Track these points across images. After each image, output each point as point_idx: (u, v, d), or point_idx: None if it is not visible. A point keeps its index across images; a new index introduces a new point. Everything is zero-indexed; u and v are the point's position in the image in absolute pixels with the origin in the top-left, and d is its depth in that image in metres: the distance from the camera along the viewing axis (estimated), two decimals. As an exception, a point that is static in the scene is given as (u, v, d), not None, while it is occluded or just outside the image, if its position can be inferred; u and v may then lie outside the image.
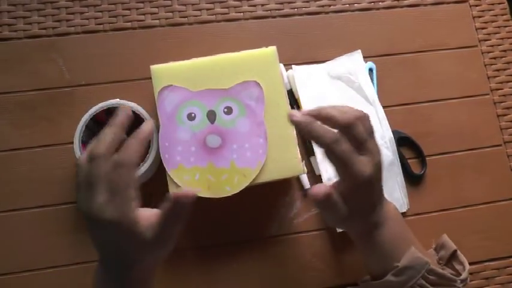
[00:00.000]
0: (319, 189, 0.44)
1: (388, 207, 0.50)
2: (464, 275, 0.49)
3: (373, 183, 0.46)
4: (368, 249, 0.51)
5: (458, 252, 0.53)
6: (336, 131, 0.45)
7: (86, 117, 0.58)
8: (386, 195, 0.63)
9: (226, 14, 0.69)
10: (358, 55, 0.68)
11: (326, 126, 0.45)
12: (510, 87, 0.71)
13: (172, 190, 0.55)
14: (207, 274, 0.60)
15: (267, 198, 0.63)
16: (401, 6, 0.73)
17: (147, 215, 0.43)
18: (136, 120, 0.61)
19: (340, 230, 0.61)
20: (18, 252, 0.59)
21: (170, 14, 0.69)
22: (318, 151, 0.63)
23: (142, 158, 0.57)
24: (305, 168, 0.58)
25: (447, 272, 0.50)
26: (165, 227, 0.43)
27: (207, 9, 0.69)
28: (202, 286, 0.60)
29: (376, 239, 0.49)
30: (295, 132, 0.58)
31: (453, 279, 0.48)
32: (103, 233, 0.43)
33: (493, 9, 0.75)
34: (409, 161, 0.66)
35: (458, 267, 0.52)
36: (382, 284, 0.49)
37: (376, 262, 0.51)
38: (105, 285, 0.45)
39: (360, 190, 0.46)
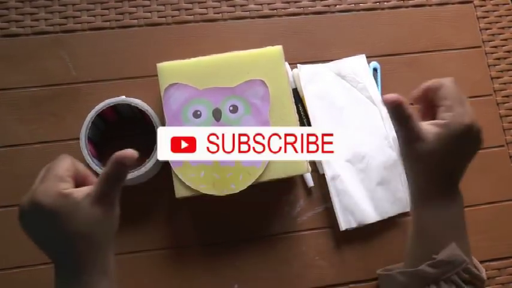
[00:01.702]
0: (388, 95, 0.46)
1: (460, 192, 0.50)
2: (484, 276, 0.50)
3: (469, 140, 0.47)
4: (421, 216, 0.51)
5: (472, 256, 0.53)
6: None
7: (92, 114, 0.58)
8: (389, 194, 0.63)
9: (233, 12, 0.70)
10: (362, 59, 0.68)
11: None
12: (513, 88, 0.72)
13: (177, 187, 0.56)
14: (211, 271, 0.61)
15: (271, 196, 0.63)
16: (407, 7, 0.73)
17: (82, 188, 0.42)
18: (142, 118, 0.61)
19: (344, 229, 0.61)
20: (24, 247, 0.59)
21: (176, 12, 0.69)
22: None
23: (147, 156, 0.57)
24: (309, 167, 0.59)
25: (482, 272, 0.50)
26: (104, 190, 0.41)
27: (213, 8, 0.70)
28: (206, 283, 0.60)
29: (435, 211, 0.49)
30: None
31: (483, 280, 0.48)
32: (40, 223, 0.41)
33: (497, 10, 0.75)
34: (412, 160, 0.66)
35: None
36: (417, 273, 0.49)
37: (422, 239, 0.51)
38: None
39: (456, 136, 0.46)
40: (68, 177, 0.42)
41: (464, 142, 0.47)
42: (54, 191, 0.40)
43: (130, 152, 0.41)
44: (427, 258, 0.48)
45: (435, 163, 0.48)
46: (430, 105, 0.50)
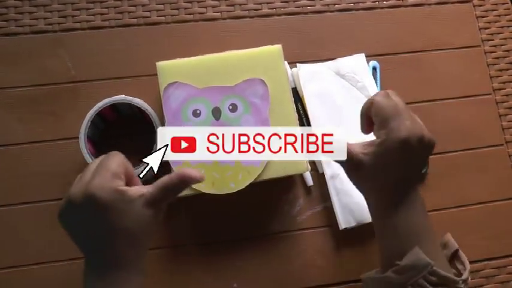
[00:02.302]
0: None
1: (418, 196, 0.50)
2: (465, 275, 0.50)
3: (410, 151, 0.47)
4: (381, 228, 0.51)
5: (460, 251, 0.53)
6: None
7: (91, 113, 0.58)
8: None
9: (232, 11, 0.70)
10: (361, 58, 0.69)
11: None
12: (512, 87, 0.72)
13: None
14: (210, 270, 0.61)
15: (271, 195, 0.63)
16: (406, 6, 0.73)
17: (137, 187, 0.43)
18: (141, 117, 0.61)
19: (343, 228, 0.61)
20: (23, 246, 0.60)
21: (176, 11, 0.69)
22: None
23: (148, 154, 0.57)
24: (309, 166, 0.59)
25: (451, 272, 0.50)
26: (160, 196, 0.42)
27: (213, 7, 0.70)
28: (205, 282, 0.60)
29: (393, 221, 0.49)
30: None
31: (455, 281, 0.48)
32: (89, 216, 0.41)
33: (496, 10, 0.75)
34: (411, 159, 0.66)
35: (459, 266, 0.52)
36: (383, 280, 0.49)
37: (386, 247, 0.51)
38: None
39: (394, 151, 0.46)
40: (122, 173, 0.42)
41: (405, 154, 0.47)
42: (109, 186, 0.40)
43: (197, 174, 0.42)
44: (392, 265, 0.48)
45: (380, 180, 0.49)
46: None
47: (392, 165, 0.48)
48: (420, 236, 0.49)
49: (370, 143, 0.48)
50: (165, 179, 0.43)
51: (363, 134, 0.55)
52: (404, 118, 0.47)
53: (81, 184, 0.41)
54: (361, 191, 0.53)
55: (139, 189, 0.42)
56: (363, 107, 0.52)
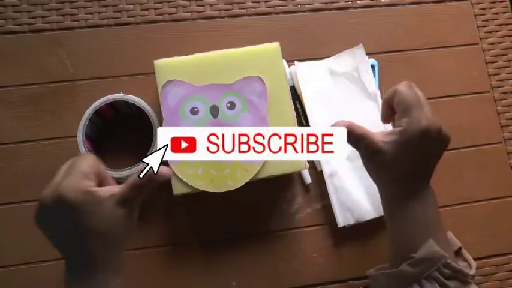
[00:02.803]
0: (335, 125, 0.49)
1: (430, 190, 0.51)
2: (472, 271, 0.50)
3: (428, 142, 0.47)
4: (393, 220, 0.51)
5: (463, 249, 0.53)
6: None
7: (89, 111, 0.58)
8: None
9: (230, 9, 0.70)
10: (360, 50, 0.68)
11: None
12: (511, 85, 0.72)
13: (174, 184, 0.56)
14: (209, 268, 0.61)
15: (269, 193, 0.63)
16: (404, 4, 0.73)
17: (107, 187, 0.43)
18: (139, 115, 0.61)
19: (341, 226, 0.61)
20: (22, 244, 0.59)
21: (174, 9, 0.69)
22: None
23: (145, 153, 0.57)
24: (307, 164, 0.59)
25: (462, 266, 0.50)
26: (131, 195, 0.42)
27: (211, 5, 0.70)
28: (204, 280, 0.60)
29: (406, 213, 0.49)
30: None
31: (467, 275, 0.48)
32: (62, 219, 0.41)
33: (494, 7, 0.75)
34: (409, 157, 0.66)
35: (461, 264, 0.52)
36: (397, 274, 0.49)
37: (398, 240, 0.51)
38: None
39: (413, 141, 0.47)
40: (92, 174, 0.42)
41: (424, 144, 0.47)
42: (79, 187, 0.40)
43: (165, 172, 0.43)
44: (407, 258, 0.48)
45: (398, 170, 0.49)
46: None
47: (411, 155, 0.48)
48: (434, 229, 0.49)
49: (391, 132, 0.49)
50: (134, 177, 0.43)
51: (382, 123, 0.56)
52: (426, 109, 0.48)
53: (51, 186, 0.41)
54: (375, 180, 0.52)
55: (109, 189, 0.42)
56: (385, 96, 0.53)
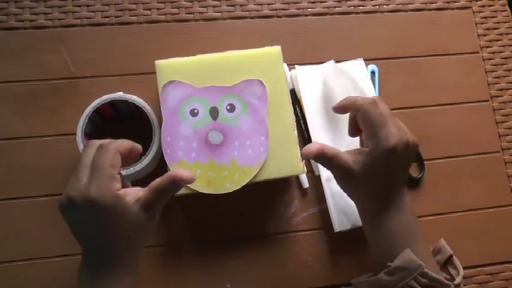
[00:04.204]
0: (309, 148, 0.49)
1: (406, 200, 0.51)
2: (457, 280, 0.50)
3: (397, 157, 0.48)
4: (372, 231, 0.53)
5: (454, 257, 0.53)
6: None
7: (89, 109, 0.58)
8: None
9: (232, 12, 0.70)
10: (360, 63, 0.69)
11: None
12: (510, 95, 0.72)
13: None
14: (204, 270, 0.61)
15: (266, 196, 0.64)
16: (406, 10, 0.73)
17: (132, 191, 0.44)
18: (139, 115, 0.61)
19: (338, 230, 0.61)
20: (19, 240, 0.59)
21: (176, 9, 0.69)
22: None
23: (143, 153, 0.57)
24: (305, 168, 0.59)
25: (442, 276, 0.51)
26: (153, 200, 0.43)
27: (213, 7, 0.70)
28: (198, 282, 0.60)
29: (383, 224, 0.50)
30: (296, 132, 0.59)
31: (446, 284, 0.48)
32: (88, 218, 0.43)
33: (495, 17, 0.75)
34: (407, 164, 0.67)
35: (453, 272, 0.52)
36: (374, 282, 0.50)
37: (377, 250, 0.52)
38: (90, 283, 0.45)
39: (382, 159, 0.48)
40: (117, 173, 0.43)
41: (393, 160, 0.48)
42: (109, 191, 0.42)
43: (188, 175, 0.44)
44: (384, 267, 0.49)
45: (370, 186, 0.50)
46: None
47: (380, 173, 0.49)
48: (411, 239, 0.50)
49: (360, 151, 0.50)
50: (157, 181, 0.44)
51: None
52: (391, 126, 0.48)
53: (80, 187, 0.42)
54: (350, 196, 0.54)
55: (135, 194, 0.43)
56: (350, 113, 0.54)
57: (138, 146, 0.48)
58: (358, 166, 0.49)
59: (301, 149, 0.58)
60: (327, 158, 0.49)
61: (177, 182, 0.44)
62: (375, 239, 0.52)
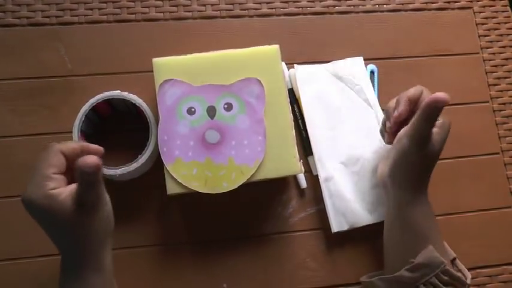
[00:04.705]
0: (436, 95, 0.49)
1: (428, 200, 0.53)
2: (468, 281, 0.50)
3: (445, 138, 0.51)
4: (398, 223, 0.53)
5: (457, 260, 0.53)
6: None
7: (85, 107, 0.58)
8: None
9: (231, 10, 0.69)
10: (360, 61, 0.68)
11: None
12: (510, 96, 0.71)
13: (169, 184, 0.55)
14: (200, 269, 0.60)
15: (264, 196, 0.63)
16: (406, 10, 0.73)
17: (69, 188, 0.42)
18: (136, 113, 0.61)
19: (335, 231, 0.61)
20: (15, 239, 0.59)
21: (174, 8, 0.69)
22: (316, 151, 0.63)
23: (141, 151, 0.57)
24: (303, 167, 0.59)
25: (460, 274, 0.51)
26: (81, 194, 0.42)
27: (212, 5, 0.69)
28: (195, 281, 0.60)
29: (409, 219, 0.51)
30: (294, 131, 0.58)
31: (464, 283, 0.49)
32: (41, 222, 0.43)
33: (496, 17, 0.75)
34: (406, 164, 0.66)
35: (457, 274, 0.52)
36: (394, 279, 0.49)
37: (398, 246, 0.52)
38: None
39: (445, 136, 0.51)
40: (54, 174, 0.42)
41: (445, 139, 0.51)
42: (41, 191, 0.41)
43: (91, 160, 0.39)
44: (405, 264, 0.48)
45: (434, 162, 0.52)
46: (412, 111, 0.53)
47: (436, 160, 0.51)
48: (433, 236, 0.50)
49: (436, 132, 0.50)
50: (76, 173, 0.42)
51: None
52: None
53: (27, 185, 0.42)
54: (393, 179, 0.53)
55: (69, 190, 0.42)
56: (410, 96, 0.54)
57: (95, 147, 0.46)
58: (436, 137, 0.50)
59: (298, 149, 0.58)
60: (432, 114, 0.48)
61: (83, 169, 0.39)
62: (397, 233, 0.52)
